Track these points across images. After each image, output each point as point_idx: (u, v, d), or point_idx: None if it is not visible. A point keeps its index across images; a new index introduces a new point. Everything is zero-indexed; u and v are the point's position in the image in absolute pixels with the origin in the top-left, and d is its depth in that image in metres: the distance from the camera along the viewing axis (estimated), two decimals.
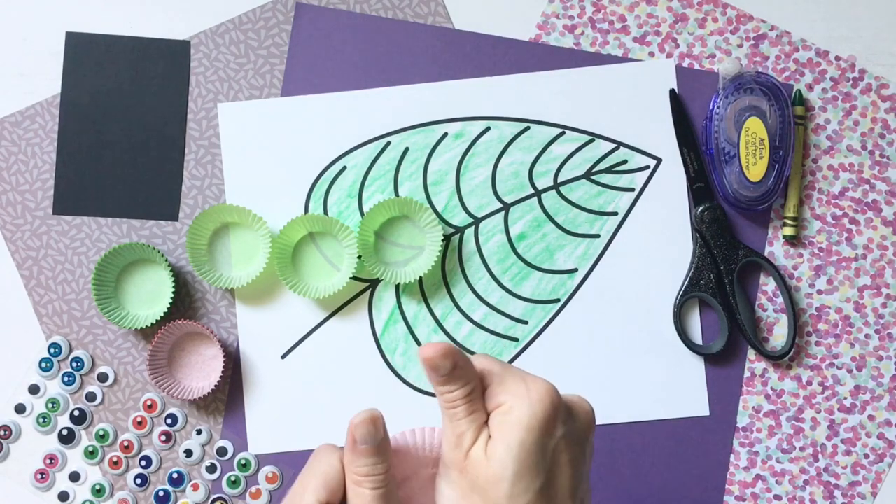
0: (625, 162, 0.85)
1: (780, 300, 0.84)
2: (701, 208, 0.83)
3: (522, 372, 0.57)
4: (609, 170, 0.85)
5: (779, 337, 0.84)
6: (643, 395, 0.83)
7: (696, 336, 0.84)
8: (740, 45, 0.85)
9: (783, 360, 0.83)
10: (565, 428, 0.56)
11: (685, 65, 0.85)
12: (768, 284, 0.84)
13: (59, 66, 0.85)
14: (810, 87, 0.85)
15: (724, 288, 0.83)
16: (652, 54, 0.85)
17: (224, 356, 0.81)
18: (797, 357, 0.84)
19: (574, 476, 0.56)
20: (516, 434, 0.54)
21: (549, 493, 0.55)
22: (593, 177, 0.85)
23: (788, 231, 0.84)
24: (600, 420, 0.83)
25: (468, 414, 0.56)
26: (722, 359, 0.84)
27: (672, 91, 0.84)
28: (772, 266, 0.83)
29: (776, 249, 0.84)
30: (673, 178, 0.84)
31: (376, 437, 0.55)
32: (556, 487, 0.55)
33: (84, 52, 0.85)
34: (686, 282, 0.83)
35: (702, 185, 0.84)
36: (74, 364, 0.84)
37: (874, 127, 0.85)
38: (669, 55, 0.85)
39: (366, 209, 0.84)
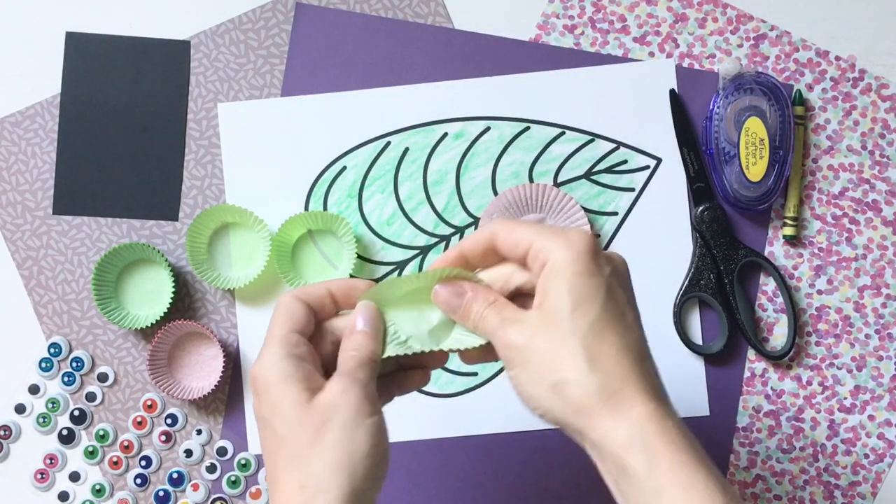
0: (625, 162, 0.85)
1: (780, 300, 0.84)
2: (701, 208, 0.83)
3: (555, 227, 0.59)
4: (609, 170, 0.85)
5: (779, 337, 0.84)
6: None
7: (696, 336, 0.84)
8: (740, 45, 0.85)
9: (783, 360, 0.83)
10: (609, 267, 0.57)
11: (685, 65, 0.85)
12: (768, 284, 0.84)
13: (59, 66, 0.85)
14: (810, 87, 0.85)
15: (724, 288, 0.83)
16: (652, 54, 0.85)
17: (224, 356, 0.81)
18: (797, 357, 0.84)
19: (630, 300, 0.58)
20: (565, 271, 0.56)
21: (611, 311, 0.56)
22: (593, 177, 0.85)
23: (788, 231, 0.84)
24: None
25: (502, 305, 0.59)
26: (722, 359, 0.84)
27: (672, 91, 0.84)
28: (772, 266, 0.83)
29: (776, 249, 0.84)
30: (673, 179, 0.84)
31: (375, 324, 0.60)
32: (617, 303, 0.57)
33: (84, 52, 0.85)
34: (686, 282, 0.83)
35: (702, 185, 0.84)
36: (74, 364, 0.84)
37: (874, 127, 0.85)
38: (669, 55, 0.85)
39: (366, 209, 0.84)
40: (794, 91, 0.85)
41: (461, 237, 0.84)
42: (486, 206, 0.83)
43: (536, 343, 0.56)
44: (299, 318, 0.59)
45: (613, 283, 0.57)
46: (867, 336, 0.84)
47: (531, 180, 0.84)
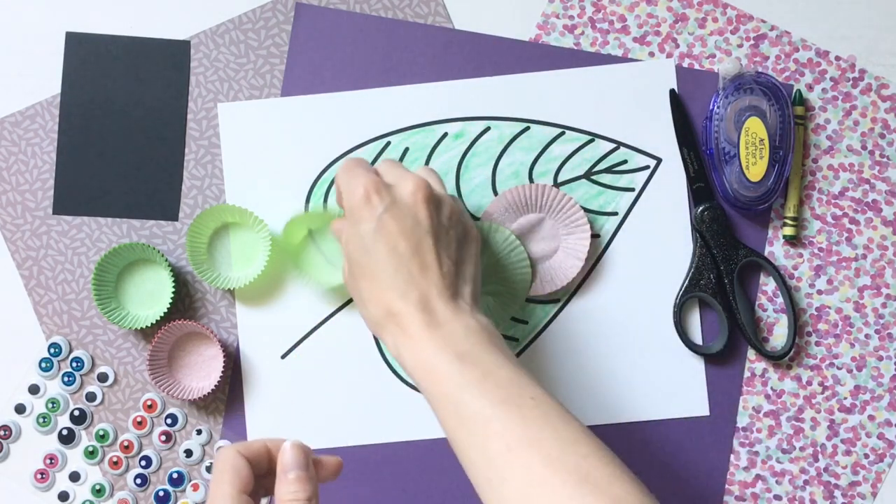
0: (625, 162, 0.85)
1: (780, 300, 0.84)
2: (701, 208, 0.83)
3: (350, 172, 0.72)
4: (609, 170, 0.85)
5: (779, 337, 0.84)
6: (643, 395, 0.83)
7: (696, 336, 0.84)
8: (740, 45, 0.85)
9: (783, 360, 0.83)
10: (384, 205, 0.69)
11: (685, 65, 0.85)
12: (768, 284, 0.84)
13: (59, 66, 0.85)
14: (810, 87, 0.85)
15: (724, 288, 0.82)
16: (652, 54, 0.85)
17: (224, 356, 0.81)
18: (797, 357, 0.84)
19: (398, 249, 0.69)
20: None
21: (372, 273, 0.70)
22: (593, 177, 0.85)
23: (788, 231, 0.84)
24: (600, 420, 0.83)
25: None
26: (722, 359, 0.84)
27: (672, 91, 0.84)
28: (772, 266, 0.83)
29: (776, 249, 0.84)
30: (673, 179, 0.84)
31: (305, 464, 0.61)
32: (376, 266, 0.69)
33: (84, 52, 0.85)
34: (686, 282, 0.83)
35: (702, 184, 0.84)
36: (74, 364, 0.84)
37: (874, 127, 0.85)
38: (669, 55, 0.85)
39: None
40: (794, 91, 0.84)
41: None
42: (487, 207, 0.83)
43: (351, 288, 0.73)
44: (245, 475, 0.61)
45: (384, 221, 0.69)
46: (867, 336, 0.84)
47: (531, 180, 0.84)
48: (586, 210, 0.84)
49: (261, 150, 0.85)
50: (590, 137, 0.85)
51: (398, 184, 0.71)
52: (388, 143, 0.85)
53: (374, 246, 0.69)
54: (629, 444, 0.83)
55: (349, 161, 0.73)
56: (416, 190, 0.70)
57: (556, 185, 0.84)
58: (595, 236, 0.84)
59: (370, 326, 0.71)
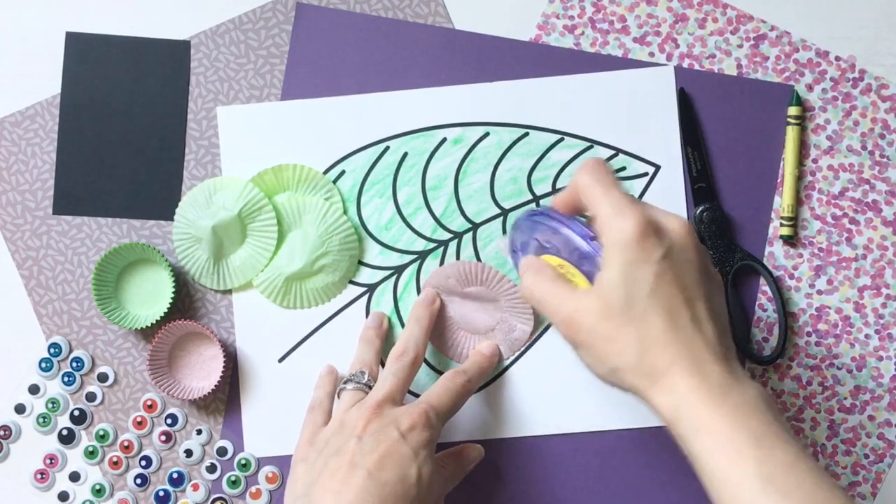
0: (623, 169, 0.84)
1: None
2: (701, 208, 0.83)
3: (620, 198, 0.65)
4: None
5: (778, 337, 0.84)
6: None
7: None
8: (740, 46, 0.85)
9: (770, 365, 0.83)
10: (661, 251, 0.63)
11: (685, 65, 0.85)
12: (768, 285, 0.84)
13: (59, 66, 0.85)
14: (810, 88, 0.85)
15: None
16: (652, 54, 0.85)
17: (224, 356, 0.81)
18: (797, 357, 0.84)
19: (682, 277, 0.64)
20: (617, 259, 0.63)
21: (659, 299, 0.63)
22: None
23: (785, 231, 0.84)
24: (599, 426, 0.83)
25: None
26: None
27: (681, 90, 0.84)
28: (766, 271, 0.83)
29: (776, 250, 0.84)
30: (671, 186, 0.84)
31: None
32: (664, 289, 0.63)
33: (84, 52, 0.85)
34: None
35: (703, 185, 0.84)
36: (74, 364, 0.84)
37: (874, 127, 0.85)
38: (669, 55, 0.85)
39: (364, 214, 0.84)
40: (792, 91, 0.85)
41: (459, 243, 0.84)
42: (433, 273, 0.84)
43: (597, 329, 0.64)
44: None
45: (663, 267, 0.63)
46: (867, 336, 0.84)
47: (529, 186, 0.84)
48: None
49: (260, 154, 0.84)
50: (588, 144, 0.85)
51: (666, 222, 0.65)
52: (388, 148, 0.85)
53: (649, 293, 0.63)
54: (629, 445, 0.83)
55: (600, 172, 0.67)
56: (689, 232, 0.65)
57: (555, 190, 0.84)
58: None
59: (609, 377, 0.66)
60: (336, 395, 0.78)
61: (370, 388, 0.75)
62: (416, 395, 0.81)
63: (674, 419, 0.62)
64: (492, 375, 0.84)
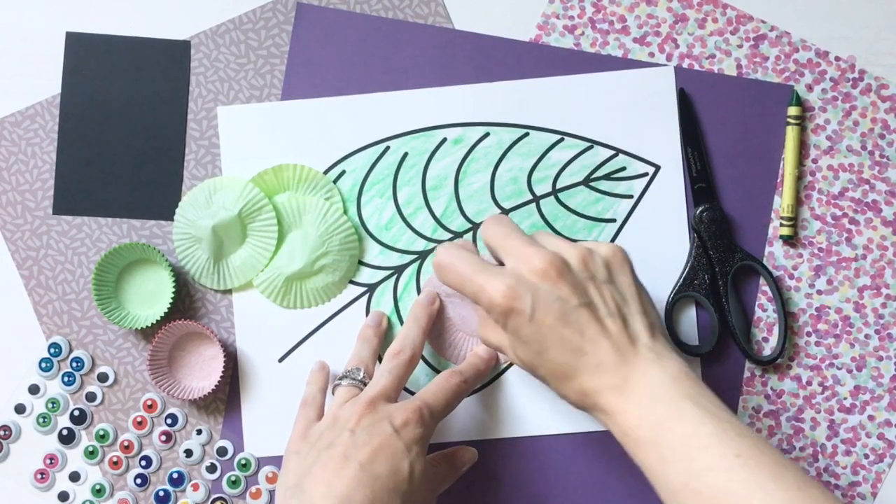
0: (623, 169, 0.85)
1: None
2: (701, 209, 0.83)
3: (521, 243, 0.71)
4: (608, 177, 0.85)
5: (778, 336, 0.84)
6: None
7: (692, 337, 0.84)
8: (740, 46, 0.85)
9: (770, 365, 0.83)
10: (528, 302, 0.68)
11: (685, 65, 0.85)
12: (767, 285, 0.84)
13: (59, 66, 0.85)
14: (810, 88, 0.85)
15: (718, 290, 0.82)
16: (652, 55, 0.85)
17: (224, 356, 0.81)
18: (797, 357, 0.84)
19: (547, 313, 0.68)
20: (489, 333, 0.74)
21: (541, 345, 0.69)
22: (592, 183, 0.85)
23: (785, 231, 0.84)
24: (598, 426, 0.83)
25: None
26: (721, 359, 0.84)
27: (681, 90, 0.84)
28: (766, 271, 0.83)
29: (776, 250, 0.84)
30: (671, 186, 0.84)
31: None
32: (544, 334, 0.68)
33: (84, 52, 0.85)
34: (680, 281, 0.83)
35: (703, 185, 0.84)
36: (74, 364, 0.84)
37: (874, 127, 0.85)
38: (669, 56, 0.85)
39: (364, 214, 0.84)
40: (792, 91, 0.85)
41: None
42: (430, 277, 0.84)
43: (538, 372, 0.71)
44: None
45: (539, 315, 0.68)
46: (867, 336, 0.84)
47: (530, 186, 0.84)
48: (585, 217, 0.84)
49: (260, 154, 0.84)
50: (588, 144, 0.85)
51: (513, 267, 0.70)
52: (388, 148, 0.85)
53: (540, 347, 0.69)
54: (624, 450, 0.83)
55: (499, 225, 0.74)
56: (534, 268, 0.69)
57: (555, 191, 0.84)
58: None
59: (575, 405, 0.71)
60: (331, 392, 0.78)
61: (365, 384, 0.75)
62: (413, 394, 0.81)
63: (631, 435, 0.68)
64: (487, 379, 0.84)
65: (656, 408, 0.65)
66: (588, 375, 0.67)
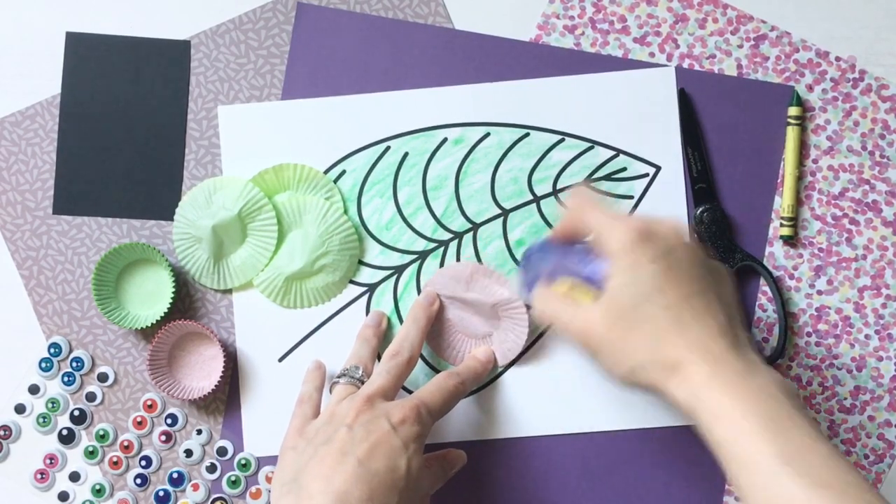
0: (624, 169, 0.85)
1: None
2: (701, 209, 0.83)
3: (612, 215, 0.70)
4: (608, 177, 0.84)
5: (777, 337, 0.84)
6: (642, 399, 0.83)
7: None
8: (740, 46, 0.85)
9: (770, 365, 0.83)
10: (653, 252, 0.67)
11: (685, 65, 0.85)
12: (768, 285, 0.84)
13: (59, 66, 0.85)
14: (810, 88, 0.85)
15: None
16: (652, 55, 0.85)
17: (224, 356, 0.81)
18: (797, 357, 0.84)
19: (677, 276, 0.67)
20: (618, 265, 0.68)
21: (659, 299, 0.67)
22: (592, 184, 0.84)
23: (785, 231, 0.84)
24: (599, 427, 0.83)
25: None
26: None
27: (682, 91, 0.84)
28: (766, 271, 0.83)
29: (776, 250, 0.84)
30: (671, 186, 0.84)
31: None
32: (664, 289, 0.67)
33: (84, 52, 0.85)
34: None
35: (703, 185, 0.84)
36: (74, 364, 0.84)
37: (874, 127, 0.85)
38: (670, 56, 0.85)
39: (365, 213, 0.84)
40: (792, 92, 0.85)
41: (459, 243, 0.84)
42: (435, 274, 0.84)
43: (608, 335, 0.68)
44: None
45: (661, 267, 0.67)
46: (867, 336, 0.84)
47: (530, 187, 0.84)
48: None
49: (260, 153, 0.84)
50: (589, 145, 0.85)
51: (657, 226, 0.69)
52: (388, 148, 0.85)
53: (651, 292, 0.67)
54: (628, 447, 0.83)
55: (586, 195, 0.74)
56: (681, 232, 0.69)
57: (556, 191, 0.84)
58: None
59: (629, 377, 0.68)
60: (328, 389, 0.78)
61: (363, 383, 0.75)
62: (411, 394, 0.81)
63: (692, 409, 0.65)
64: (485, 381, 0.84)
65: (765, 408, 0.64)
66: (678, 346, 0.66)
